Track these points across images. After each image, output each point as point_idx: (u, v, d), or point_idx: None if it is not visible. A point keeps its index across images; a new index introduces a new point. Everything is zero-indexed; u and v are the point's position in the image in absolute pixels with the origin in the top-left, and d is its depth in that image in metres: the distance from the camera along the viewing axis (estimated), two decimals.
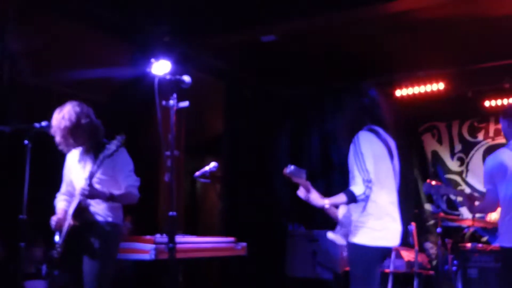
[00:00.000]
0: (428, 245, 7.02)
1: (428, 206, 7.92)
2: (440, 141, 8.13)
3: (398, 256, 6.17)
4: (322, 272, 7.16)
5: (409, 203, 7.97)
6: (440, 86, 7.63)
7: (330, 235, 3.67)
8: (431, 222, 7.63)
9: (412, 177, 8.15)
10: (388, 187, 3.59)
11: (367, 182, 3.41)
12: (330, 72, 7.82)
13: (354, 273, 3.58)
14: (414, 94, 7.81)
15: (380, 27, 6.44)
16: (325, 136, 8.59)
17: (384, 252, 3.62)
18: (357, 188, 3.44)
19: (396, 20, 6.19)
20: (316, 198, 3.61)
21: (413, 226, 5.81)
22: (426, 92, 7.74)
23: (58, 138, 4.02)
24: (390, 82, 7.92)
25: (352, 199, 3.43)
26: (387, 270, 5.94)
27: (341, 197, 3.48)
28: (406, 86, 7.84)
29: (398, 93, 7.90)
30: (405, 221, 6.53)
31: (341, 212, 3.71)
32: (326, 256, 7.18)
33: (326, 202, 3.57)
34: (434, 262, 6.17)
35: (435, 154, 8.11)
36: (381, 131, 3.68)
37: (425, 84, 7.71)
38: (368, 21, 6.28)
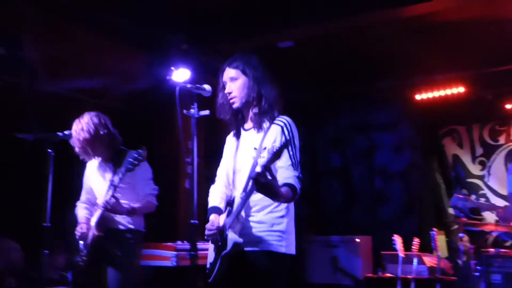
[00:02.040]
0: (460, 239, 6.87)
1: (451, 211, 7.85)
2: (461, 145, 8.06)
3: (421, 262, 6.11)
4: (342, 279, 7.12)
5: (430, 208, 7.92)
6: (460, 89, 7.57)
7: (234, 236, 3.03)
8: (455, 227, 7.55)
9: (434, 181, 8.08)
10: None
11: (300, 179, 2.99)
12: (348, 77, 7.79)
13: (273, 285, 3.03)
14: (434, 98, 7.76)
15: (398, 31, 6.41)
16: (340, 141, 8.56)
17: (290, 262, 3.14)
18: (296, 184, 2.94)
19: (414, 23, 6.16)
20: (276, 187, 2.82)
21: (435, 231, 5.75)
22: (446, 96, 7.68)
23: (77, 149, 4.07)
24: (409, 86, 7.88)
25: (294, 196, 2.94)
26: (409, 276, 5.88)
27: (289, 192, 2.90)
28: (426, 90, 7.79)
29: (418, 97, 7.85)
30: (426, 226, 6.51)
31: (222, 219, 3.17)
32: (346, 262, 7.14)
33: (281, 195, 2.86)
34: (461, 260, 6.08)
35: (456, 158, 8.04)
36: None
37: (444, 87, 7.66)
38: (385, 24, 6.25)
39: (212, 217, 3.20)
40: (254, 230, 3.04)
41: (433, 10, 5.81)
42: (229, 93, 3.15)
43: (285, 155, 2.95)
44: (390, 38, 6.61)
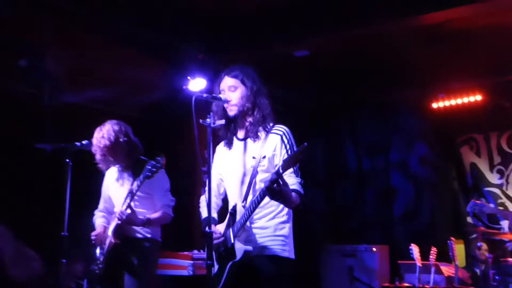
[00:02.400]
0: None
1: (469, 220, 7.77)
2: (478, 154, 7.99)
3: (438, 271, 6.06)
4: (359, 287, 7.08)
5: (448, 217, 7.86)
6: (477, 97, 7.52)
7: (248, 247, 3.09)
8: (473, 236, 7.47)
9: (451, 190, 8.01)
10: None
11: (303, 186, 3.06)
12: (364, 86, 7.78)
13: None
14: (451, 106, 7.72)
15: (414, 40, 6.40)
16: (358, 151, 8.53)
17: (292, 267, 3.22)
18: (300, 190, 3.03)
19: (430, 32, 6.15)
20: (288, 192, 2.90)
21: (453, 240, 5.71)
22: (463, 104, 7.64)
23: (98, 156, 4.12)
24: (426, 95, 7.84)
25: (300, 203, 3.01)
26: (427, 286, 5.83)
27: (297, 198, 2.99)
28: (443, 99, 7.75)
29: (435, 105, 7.81)
30: (444, 235, 6.46)
31: (221, 228, 3.21)
32: (363, 271, 7.10)
33: (293, 201, 2.97)
34: (479, 269, 6.01)
35: (474, 166, 7.96)
36: None
37: (461, 96, 7.62)
38: (402, 33, 6.25)
39: (213, 226, 3.23)
40: (258, 236, 3.10)
41: (450, 18, 5.79)
42: (227, 101, 3.20)
43: None
44: (407, 47, 6.60)
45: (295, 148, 3.12)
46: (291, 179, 3.05)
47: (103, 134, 4.10)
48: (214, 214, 3.28)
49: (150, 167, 3.82)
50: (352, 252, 7.28)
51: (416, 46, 6.56)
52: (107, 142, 4.07)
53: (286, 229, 3.16)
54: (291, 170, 3.03)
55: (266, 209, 3.13)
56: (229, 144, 3.31)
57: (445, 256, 5.98)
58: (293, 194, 2.97)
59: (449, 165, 8.06)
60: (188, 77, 6.36)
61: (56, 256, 4.16)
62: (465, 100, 7.60)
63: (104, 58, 5.96)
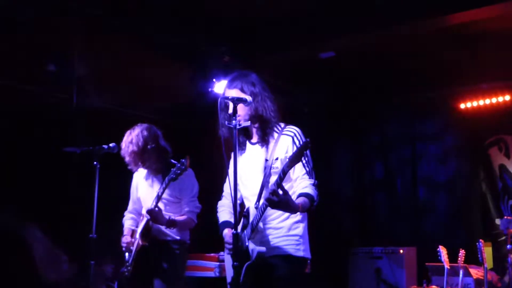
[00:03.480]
0: None
1: (498, 222, 7.66)
2: (507, 155, 7.86)
3: (467, 273, 5.99)
4: None
5: (476, 219, 7.75)
6: (506, 97, 7.42)
7: (262, 248, 3.10)
8: (502, 238, 7.37)
9: (480, 192, 7.91)
10: None
11: (317, 186, 3.08)
12: (391, 87, 7.74)
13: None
14: (479, 107, 7.62)
15: (441, 40, 6.34)
16: (385, 152, 8.48)
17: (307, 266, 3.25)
18: (313, 192, 3.04)
19: (459, 31, 6.08)
20: (291, 202, 2.92)
21: (482, 243, 5.63)
22: (491, 104, 7.53)
23: (127, 160, 4.17)
24: (454, 96, 7.76)
25: (312, 205, 3.03)
26: None
27: (306, 202, 3.01)
28: (471, 99, 7.66)
29: (463, 106, 7.73)
30: (472, 237, 6.37)
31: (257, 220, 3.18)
32: (390, 274, 7.05)
33: (298, 207, 2.98)
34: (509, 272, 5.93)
35: (503, 168, 7.84)
36: None
37: (490, 96, 7.52)
38: (429, 34, 6.20)
39: (226, 231, 3.30)
40: (272, 237, 3.14)
41: (478, 18, 5.73)
42: (252, 103, 3.21)
43: (298, 164, 3.02)
44: (434, 47, 6.54)
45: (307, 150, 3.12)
46: (304, 182, 3.09)
47: (131, 139, 4.14)
48: (232, 219, 3.28)
49: (174, 169, 3.85)
50: (379, 254, 7.24)
51: (444, 47, 6.51)
52: (135, 148, 4.12)
53: (300, 228, 3.18)
54: (304, 172, 3.09)
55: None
56: (243, 149, 3.35)
57: (474, 259, 5.89)
58: (302, 199, 3.00)
59: (477, 166, 7.96)
60: (214, 80, 6.39)
61: (85, 258, 4.22)
62: (493, 100, 7.50)
63: (131, 62, 6.02)
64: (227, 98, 3.15)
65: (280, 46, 6.58)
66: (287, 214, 3.11)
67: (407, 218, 8.11)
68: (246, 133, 3.36)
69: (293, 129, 3.24)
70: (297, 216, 3.17)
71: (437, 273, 6.26)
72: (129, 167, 4.27)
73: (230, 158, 3.31)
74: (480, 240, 5.68)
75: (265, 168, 3.19)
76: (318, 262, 5.99)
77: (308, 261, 3.21)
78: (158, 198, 3.96)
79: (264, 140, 3.24)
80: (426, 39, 6.34)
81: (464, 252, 5.80)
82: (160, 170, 4.23)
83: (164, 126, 4.53)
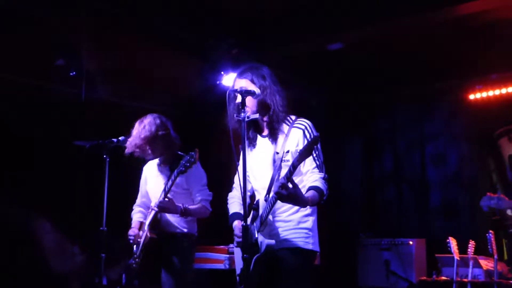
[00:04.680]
0: None
1: (509, 212, 7.63)
2: None
3: (477, 264, 5.98)
4: (395, 282, 7.02)
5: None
6: None
7: (271, 241, 3.12)
8: None
9: (490, 183, 7.88)
10: None
11: (327, 180, 3.07)
12: (400, 78, 7.71)
13: (308, 283, 3.15)
14: (488, 98, 7.58)
15: (449, 30, 6.30)
16: (393, 144, 8.46)
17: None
18: (323, 186, 3.03)
19: (467, 22, 6.04)
20: (300, 195, 2.91)
21: (491, 234, 5.62)
22: (501, 95, 7.48)
23: (136, 148, 4.18)
24: (462, 86, 7.72)
25: (321, 199, 3.02)
26: (465, 280, 5.76)
27: (315, 196, 3.00)
28: (480, 90, 7.62)
29: (472, 97, 7.68)
30: (482, 228, 6.36)
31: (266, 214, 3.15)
32: (399, 265, 7.05)
33: (307, 201, 2.97)
34: None
35: None
36: None
37: (499, 87, 7.47)
38: (437, 24, 6.16)
39: (236, 223, 3.31)
40: (281, 230, 3.14)
41: (487, 8, 5.69)
42: (260, 95, 3.23)
43: (308, 158, 3.03)
44: (443, 38, 6.50)
45: (318, 143, 3.11)
46: (314, 175, 3.09)
47: (144, 125, 4.17)
48: (242, 211, 3.26)
49: (184, 162, 3.87)
50: (388, 246, 7.23)
51: (453, 37, 6.47)
52: (147, 133, 4.13)
53: (310, 221, 3.18)
54: (314, 165, 3.09)
55: None
56: (253, 142, 3.36)
57: (484, 250, 5.89)
58: (311, 192, 3.00)
59: (487, 157, 7.93)
60: (222, 72, 6.40)
61: (96, 250, 4.25)
62: (503, 91, 7.45)
63: (139, 55, 6.04)
64: (235, 90, 3.15)
65: (288, 38, 6.57)
66: (296, 207, 3.11)
67: (416, 210, 8.10)
68: (256, 127, 3.37)
69: (304, 122, 3.24)
70: (307, 210, 3.17)
71: (447, 265, 6.25)
72: (135, 155, 4.26)
73: (239, 150, 3.32)
74: (490, 231, 5.67)
75: (275, 161, 3.19)
76: (327, 254, 6.02)
77: (317, 254, 3.21)
78: (168, 189, 3.97)
79: (273, 134, 3.24)
80: (435, 30, 6.30)
81: (474, 243, 5.79)
82: (168, 161, 4.25)
83: (172, 119, 4.54)
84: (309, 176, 3.11)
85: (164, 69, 6.28)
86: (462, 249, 5.80)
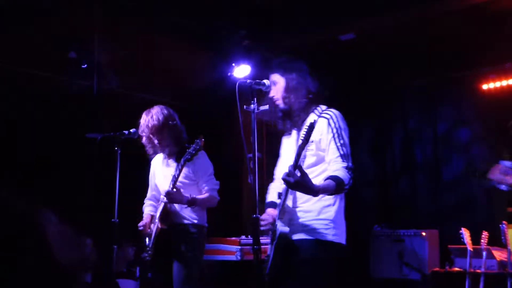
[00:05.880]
0: None
1: None
2: None
3: (490, 255, 5.94)
4: (408, 273, 7.00)
5: (499, 200, 7.67)
6: None
7: (285, 228, 3.11)
8: None
9: None
10: None
11: (351, 170, 3.02)
12: (412, 69, 7.66)
13: (325, 275, 3.10)
14: (502, 87, 7.50)
15: (463, 20, 6.25)
16: (408, 134, 8.41)
17: (340, 252, 3.19)
18: (344, 175, 2.97)
19: (480, 11, 5.98)
20: (308, 184, 2.88)
21: (505, 225, 5.58)
22: None
23: (144, 138, 4.19)
24: (476, 76, 7.65)
25: (340, 188, 2.96)
26: (478, 271, 5.73)
27: (331, 185, 2.94)
28: (494, 80, 7.54)
29: (485, 86, 7.61)
30: (496, 219, 6.32)
31: (289, 202, 3.18)
32: (412, 256, 7.03)
33: (319, 190, 2.93)
34: None
35: None
36: None
37: None
38: (450, 13, 6.10)
39: (269, 210, 3.33)
40: (301, 220, 3.13)
41: None
42: (273, 96, 3.30)
43: (332, 147, 3.06)
44: (456, 28, 6.44)
45: (343, 132, 3.11)
46: (336, 165, 3.06)
47: (152, 115, 4.18)
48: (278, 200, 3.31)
49: (190, 150, 3.88)
50: (401, 237, 7.21)
51: (466, 27, 6.40)
52: (155, 123, 4.14)
53: (332, 212, 3.14)
54: (337, 155, 3.05)
55: None
56: (289, 133, 3.42)
57: (497, 240, 5.85)
58: (326, 182, 2.95)
59: (500, 147, 7.86)
60: (233, 64, 6.39)
61: (108, 242, 4.28)
62: None
63: (151, 48, 6.04)
64: (245, 82, 3.15)
65: (299, 28, 6.54)
66: (317, 197, 3.07)
67: (429, 200, 8.06)
68: (290, 117, 3.38)
69: (330, 112, 3.23)
70: (328, 200, 3.13)
71: (460, 255, 6.22)
72: (146, 148, 4.28)
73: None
74: (504, 221, 5.62)
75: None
76: None
77: (342, 245, 3.16)
78: (175, 179, 3.99)
79: (295, 124, 3.28)
80: (448, 19, 6.25)
81: (488, 234, 5.75)
82: (175, 154, 4.25)
83: (183, 111, 4.55)
84: (332, 165, 3.08)
85: (176, 60, 6.28)
86: (475, 240, 5.77)
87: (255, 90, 3.19)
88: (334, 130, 3.12)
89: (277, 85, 3.30)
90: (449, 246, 6.56)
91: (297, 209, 3.16)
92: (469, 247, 5.71)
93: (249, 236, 5.49)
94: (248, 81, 3.15)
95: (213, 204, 4.23)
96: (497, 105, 7.59)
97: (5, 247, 0.94)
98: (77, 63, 5.63)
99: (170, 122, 4.19)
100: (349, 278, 7.45)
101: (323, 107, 3.30)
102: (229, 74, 6.44)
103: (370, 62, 7.52)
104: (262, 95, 3.34)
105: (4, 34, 4.97)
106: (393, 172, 8.52)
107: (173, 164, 4.23)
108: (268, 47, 6.95)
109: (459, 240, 5.79)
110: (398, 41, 6.91)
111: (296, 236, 3.11)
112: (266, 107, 3.27)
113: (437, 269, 6.55)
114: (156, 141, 4.19)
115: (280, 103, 3.27)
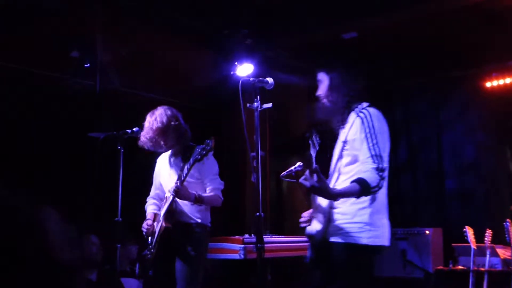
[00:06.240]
0: None
1: None
2: None
3: (494, 254, 5.93)
4: (412, 272, 6.99)
5: (503, 198, 7.66)
6: None
7: (310, 228, 3.19)
8: None
9: (507, 171, 7.81)
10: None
11: (381, 171, 2.94)
12: (415, 67, 7.64)
13: (353, 278, 3.07)
14: (505, 85, 7.49)
15: (466, 18, 6.23)
16: (409, 132, 8.40)
17: (380, 253, 3.13)
18: (371, 177, 2.91)
19: (483, 9, 5.97)
20: (325, 187, 2.85)
21: (509, 222, 5.57)
22: None
23: (149, 140, 4.19)
24: (479, 74, 7.63)
25: (366, 190, 2.88)
26: (482, 269, 5.72)
27: (354, 188, 2.88)
28: (497, 78, 7.53)
29: (488, 84, 7.60)
30: (499, 217, 6.31)
31: (324, 203, 3.18)
32: (416, 255, 7.02)
33: (337, 194, 2.92)
34: None
35: None
36: None
37: None
38: (453, 11, 6.09)
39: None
40: (337, 222, 3.09)
41: None
42: (320, 95, 3.29)
43: (364, 147, 3.00)
44: (458, 26, 6.43)
45: (377, 132, 3.05)
46: (365, 166, 2.98)
47: (156, 117, 4.19)
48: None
49: (199, 150, 3.88)
50: (404, 235, 7.19)
51: (469, 25, 6.39)
52: (159, 125, 4.15)
53: (367, 215, 3.05)
54: (367, 155, 2.99)
55: None
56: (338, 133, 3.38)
57: (501, 238, 5.84)
58: (350, 184, 2.90)
59: (504, 145, 7.85)
60: (236, 63, 6.39)
61: (111, 241, 4.28)
62: None
63: (154, 47, 6.04)
64: (248, 80, 3.15)
65: (302, 27, 6.53)
66: (353, 199, 3.00)
67: (432, 199, 8.05)
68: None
69: (365, 111, 3.16)
70: (364, 202, 3.04)
71: (463, 254, 6.21)
72: (147, 148, 4.27)
73: (254, 141, 3.33)
74: (508, 219, 5.62)
75: (340, 150, 3.18)
76: None
77: (379, 247, 3.08)
78: (184, 177, 3.98)
79: (342, 123, 3.24)
80: (451, 18, 6.23)
81: (491, 232, 5.75)
82: (180, 153, 4.26)
83: (187, 110, 4.55)
84: (362, 166, 3.00)
85: (179, 60, 6.28)
86: (479, 238, 5.76)
87: (258, 88, 3.19)
88: (367, 130, 3.06)
89: (322, 83, 3.29)
90: (452, 244, 6.55)
91: (335, 211, 3.11)
92: (473, 245, 5.70)
93: (252, 234, 5.48)
94: (251, 79, 3.15)
95: (217, 203, 4.24)
96: (501, 103, 7.58)
97: (6, 245, 0.93)
98: (79, 62, 5.63)
99: (173, 123, 4.19)
100: None
101: (364, 104, 3.24)
102: (232, 73, 6.44)
103: (372, 61, 7.51)
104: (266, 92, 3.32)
105: (6, 33, 4.97)
106: (396, 170, 8.51)
107: (179, 163, 4.23)
108: (270, 45, 6.94)
109: (463, 238, 5.79)
110: (400, 40, 6.89)
111: (332, 239, 3.07)
112: (270, 105, 3.26)
113: (440, 267, 6.55)
114: (162, 143, 4.20)
115: (325, 101, 3.26)
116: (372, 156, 2.98)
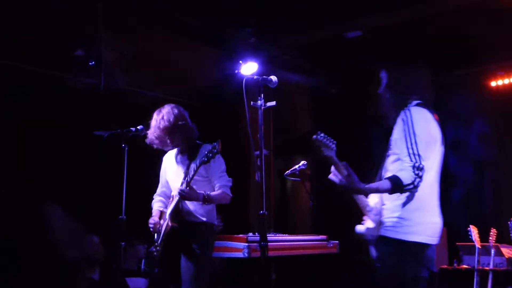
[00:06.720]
0: None
1: None
2: None
3: (498, 253, 5.92)
4: None
5: (507, 197, 7.64)
6: None
7: (360, 227, 3.36)
8: None
9: (511, 170, 7.79)
10: (433, 175, 3.18)
11: (418, 169, 2.96)
12: (419, 65, 7.61)
13: (388, 271, 3.13)
14: (510, 84, 7.47)
15: (471, 17, 6.21)
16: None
17: (423, 250, 3.16)
18: (405, 175, 2.96)
19: (487, 7, 5.94)
20: (354, 183, 2.95)
21: None
22: None
23: (155, 138, 4.19)
24: (484, 73, 7.61)
25: (398, 188, 2.94)
26: (486, 268, 5.71)
27: (385, 184, 2.97)
28: (502, 77, 7.50)
29: (493, 83, 7.57)
30: (504, 216, 6.29)
31: (373, 201, 3.30)
32: None
33: (367, 189, 3.01)
34: None
35: None
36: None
37: None
38: (457, 9, 6.07)
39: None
40: (383, 217, 3.18)
41: None
42: (380, 92, 3.45)
43: (403, 146, 3.05)
44: (463, 25, 6.41)
45: (416, 130, 3.07)
46: (402, 164, 3.03)
47: (162, 116, 4.18)
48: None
49: (206, 152, 3.88)
50: None
51: (474, 24, 6.37)
52: (166, 124, 4.15)
53: (405, 211, 3.09)
54: (405, 153, 3.03)
55: None
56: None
57: (506, 238, 5.83)
58: (383, 181, 3.00)
59: (508, 144, 7.83)
60: (240, 62, 6.39)
61: (116, 239, 4.28)
62: None
63: (158, 46, 6.04)
64: (252, 78, 3.15)
65: (306, 26, 6.52)
66: (395, 195, 3.06)
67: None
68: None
69: (407, 111, 3.19)
70: (402, 199, 3.09)
71: (468, 253, 6.20)
72: (155, 146, 4.28)
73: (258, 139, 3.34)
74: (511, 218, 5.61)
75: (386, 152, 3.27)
76: (345, 243, 6.00)
77: (416, 244, 3.09)
78: (190, 179, 3.98)
79: (392, 122, 3.30)
80: (455, 17, 6.21)
81: (496, 231, 5.73)
82: (187, 151, 4.26)
83: (191, 109, 4.54)
84: (400, 164, 3.06)
85: (183, 58, 6.28)
86: (484, 237, 5.75)
87: (262, 86, 3.19)
88: (406, 129, 3.10)
89: (383, 82, 3.41)
90: (457, 243, 6.54)
91: (384, 207, 3.20)
92: (477, 244, 5.69)
93: (256, 233, 5.48)
94: (255, 77, 3.14)
95: (226, 201, 4.22)
96: (506, 102, 7.56)
97: (10, 243, 0.93)
98: (83, 61, 5.63)
99: (180, 122, 4.19)
100: (358, 275, 7.45)
101: (414, 103, 3.29)
102: (236, 71, 6.43)
103: (375, 60, 7.48)
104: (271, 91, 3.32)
105: (11, 32, 4.98)
106: None
107: (185, 161, 4.23)
108: (274, 44, 6.94)
109: (467, 237, 5.77)
110: (405, 38, 6.87)
111: (379, 233, 3.17)
112: (273, 103, 3.26)
113: (445, 266, 6.54)
114: (168, 141, 4.20)
115: (383, 99, 3.36)
116: (409, 154, 3.03)
